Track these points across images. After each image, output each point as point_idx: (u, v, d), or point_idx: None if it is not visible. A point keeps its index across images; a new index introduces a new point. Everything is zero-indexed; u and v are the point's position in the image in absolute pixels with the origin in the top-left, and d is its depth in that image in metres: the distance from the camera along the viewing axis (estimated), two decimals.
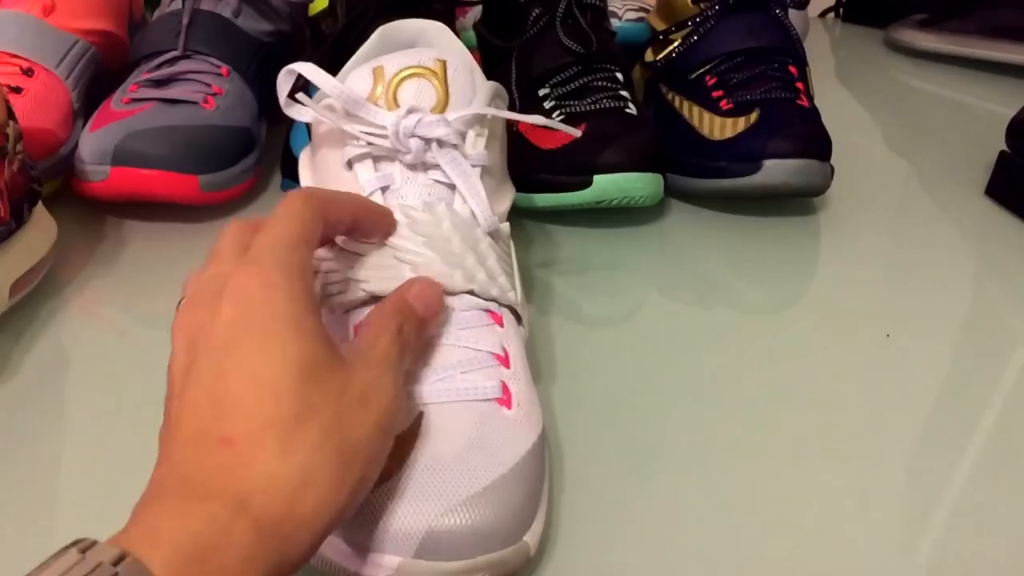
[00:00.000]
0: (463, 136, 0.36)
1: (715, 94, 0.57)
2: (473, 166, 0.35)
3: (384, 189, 0.35)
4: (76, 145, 0.53)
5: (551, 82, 0.57)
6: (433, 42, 0.43)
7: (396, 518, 0.27)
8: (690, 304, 0.49)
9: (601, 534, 0.33)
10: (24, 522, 0.33)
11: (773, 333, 0.46)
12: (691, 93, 0.59)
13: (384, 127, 0.34)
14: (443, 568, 0.27)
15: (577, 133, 0.43)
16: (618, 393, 0.41)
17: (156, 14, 0.61)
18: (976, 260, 0.54)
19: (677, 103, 0.60)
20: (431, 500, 0.28)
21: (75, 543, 0.20)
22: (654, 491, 0.35)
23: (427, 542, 0.27)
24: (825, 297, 0.50)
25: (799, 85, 0.57)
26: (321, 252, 0.33)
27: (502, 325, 0.34)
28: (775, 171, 0.53)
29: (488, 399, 0.31)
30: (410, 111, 0.34)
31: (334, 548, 0.28)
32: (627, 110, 0.55)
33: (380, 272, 0.33)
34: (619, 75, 0.58)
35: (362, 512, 0.28)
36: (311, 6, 0.65)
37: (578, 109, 0.55)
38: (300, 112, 0.37)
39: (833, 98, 0.79)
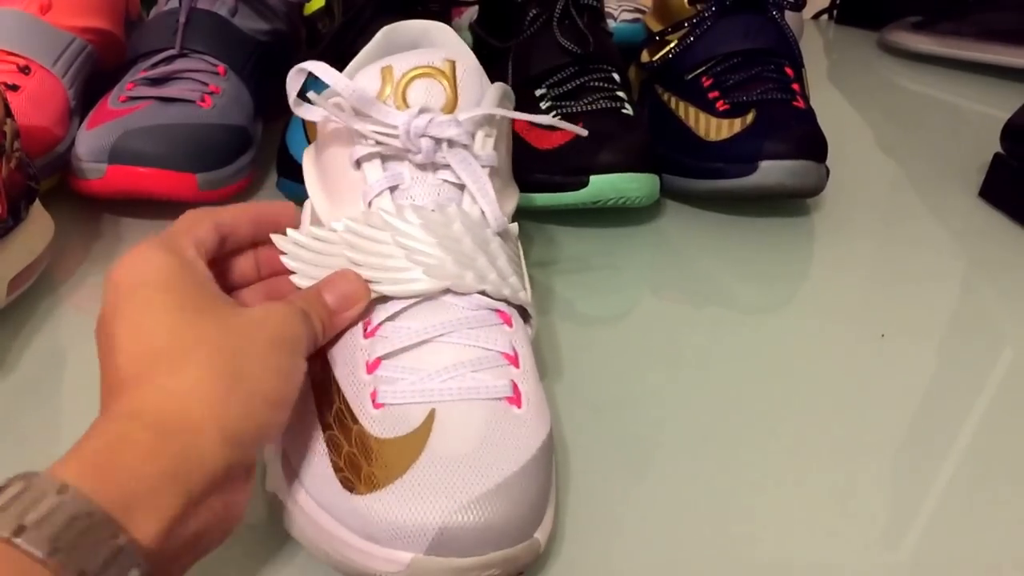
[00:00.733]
0: (473, 136, 0.36)
1: (711, 95, 0.58)
2: (483, 166, 0.35)
3: (393, 189, 0.35)
4: (73, 143, 0.53)
5: (548, 82, 0.57)
6: (437, 42, 0.43)
7: (409, 514, 0.28)
8: (684, 304, 0.49)
9: (602, 531, 0.34)
10: None
11: (769, 332, 0.47)
12: (687, 94, 0.59)
13: (395, 126, 0.34)
14: (455, 564, 0.27)
15: (583, 132, 0.43)
16: (614, 391, 0.41)
17: (153, 12, 0.61)
18: (970, 262, 0.55)
19: (673, 104, 0.60)
20: (444, 497, 0.28)
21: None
22: (651, 487, 0.36)
23: (440, 538, 0.27)
24: (820, 297, 0.51)
25: (795, 86, 0.57)
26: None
27: (511, 325, 0.34)
28: (771, 172, 0.53)
29: (499, 398, 0.31)
30: (421, 111, 0.34)
31: (347, 543, 0.28)
32: (623, 111, 0.55)
33: (392, 274, 0.33)
34: (615, 76, 0.58)
35: (374, 508, 0.28)
36: (307, 5, 0.64)
37: (574, 109, 0.55)
38: (309, 111, 0.37)
39: (827, 100, 0.79)
